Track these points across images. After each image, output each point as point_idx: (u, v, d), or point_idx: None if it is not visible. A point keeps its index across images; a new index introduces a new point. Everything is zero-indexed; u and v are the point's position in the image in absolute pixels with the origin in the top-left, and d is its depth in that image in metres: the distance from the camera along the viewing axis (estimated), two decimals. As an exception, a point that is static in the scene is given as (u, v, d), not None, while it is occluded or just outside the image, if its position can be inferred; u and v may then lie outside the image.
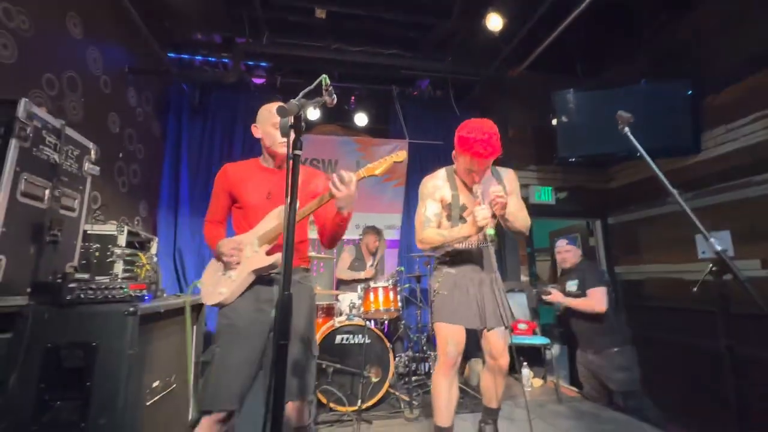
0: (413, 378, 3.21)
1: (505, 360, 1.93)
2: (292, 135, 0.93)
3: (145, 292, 1.61)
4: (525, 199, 4.42)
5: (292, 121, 0.92)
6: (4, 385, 1.27)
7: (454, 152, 1.94)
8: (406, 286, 3.94)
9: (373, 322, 3.19)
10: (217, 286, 1.54)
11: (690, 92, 3.46)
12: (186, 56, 4.02)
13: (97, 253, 1.94)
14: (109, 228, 2.05)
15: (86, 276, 1.54)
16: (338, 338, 2.95)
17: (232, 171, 1.67)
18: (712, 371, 3.01)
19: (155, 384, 1.71)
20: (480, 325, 1.91)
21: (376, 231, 3.97)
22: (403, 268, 3.97)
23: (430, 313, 2.03)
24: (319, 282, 4.17)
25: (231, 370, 1.39)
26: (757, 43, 2.90)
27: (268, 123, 1.61)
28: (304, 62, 4.06)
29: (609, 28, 3.92)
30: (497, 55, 3.85)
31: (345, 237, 4.37)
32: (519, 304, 3.86)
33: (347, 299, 3.31)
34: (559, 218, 4.93)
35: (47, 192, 1.57)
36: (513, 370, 2.50)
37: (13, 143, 1.41)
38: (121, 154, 3.12)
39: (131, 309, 1.42)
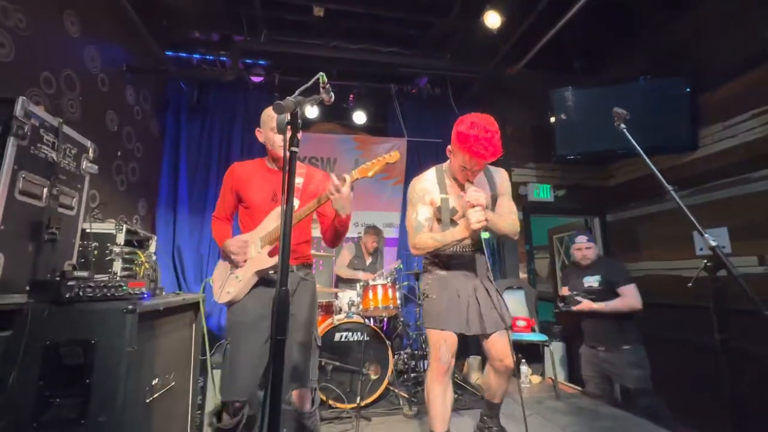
0: (412, 375, 3.22)
1: (510, 360, 1.86)
2: (289, 132, 0.93)
3: (143, 290, 1.61)
4: (524, 197, 4.45)
5: (289, 118, 0.93)
6: (4, 383, 1.27)
7: (449, 147, 1.83)
8: (405, 283, 3.96)
9: (372, 319, 3.21)
10: (225, 285, 1.64)
11: (688, 89, 3.47)
12: (184, 54, 4.02)
13: (95, 252, 1.94)
14: (107, 226, 2.05)
15: (85, 274, 1.54)
16: (337, 336, 2.96)
17: (238, 171, 1.72)
18: (709, 367, 3.02)
19: (155, 381, 1.71)
20: (472, 331, 1.84)
21: (375, 231, 3.97)
22: (402, 266, 3.98)
23: (419, 317, 2.01)
24: (319, 280, 4.16)
25: (240, 365, 1.52)
26: (754, 40, 2.90)
27: (268, 127, 1.65)
28: (303, 60, 4.06)
29: (607, 26, 3.93)
30: (496, 52, 3.84)
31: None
32: (517, 302, 3.88)
33: (346, 297, 3.33)
34: (557, 216, 4.94)
35: (45, 190, 1.57)
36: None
37: (11, 141, 1.41)
38: (119, 153, 3.12)
39: (130, 307, 1.42)
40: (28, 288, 1.42)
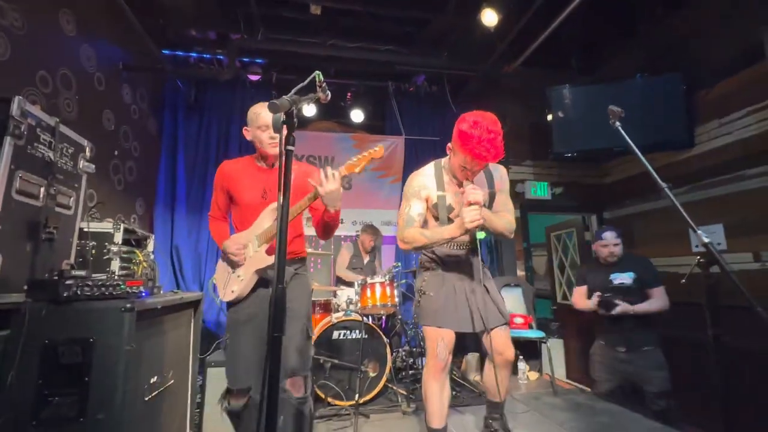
0: (410, 372, 3.24)
1: (510, 352, 1.87)
2: (285, 131, 0.94)
3: (141, 288, 1.62)
4: (521, 195, 4.46)
5: (284, 117, 0.93)
6: (3, 382, 1.28)
7: (450, 144, 1.79)
8: (403, 281, 3.97)
9: (370, 317, 3.22)
10: (229, 285, 1.69)
11: (684, 87, 3.48)
12: (181, 53, 4.01)
13: (93, 251, 1.94)
14: (105, 226, 2.05)
15: (83, 273, 1.54)
16: (335, 334, 2.97)
17: (228, 170, 1.74)
18: (702, 363, 3.05)
19: (153, 380, 1.72)
20: (473, 329, 1.84)
21: (372, 231, 3.98)
22: (399, 264, 3.99)
23: (415, 314, 2.00)
24: (317, 278, 4.19)
25: (238, 357, 1.62)
26: (750, 37, 2.91)
27: (255, 125, 1.66)
28: (300, 59, 4.06)
29: (604, 23, 3.93)
30: (493, 50, 3.85)
31: (344, 234, 4.40)
32: (515, 299, 3.90)
33: (345, 295, 3.34)
34: (555, 213, 4.95)
35: (42, 190, 1.58)
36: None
37: (8, 141, 1.41)
38: (116, 152, 3.12)
39: (128, 305, 1.42)
40: (26, 287, 1.43)
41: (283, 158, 0.92)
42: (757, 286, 2.87)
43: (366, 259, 3.99)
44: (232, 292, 1.65)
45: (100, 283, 1.48)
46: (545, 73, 4.32)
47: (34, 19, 2.24)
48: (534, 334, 3.50)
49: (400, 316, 3.65)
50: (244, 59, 4.17)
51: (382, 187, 4.58)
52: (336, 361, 2.86)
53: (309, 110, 4.31)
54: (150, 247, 2.41)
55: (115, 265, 1.99)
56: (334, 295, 3.51)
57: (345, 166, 1.50)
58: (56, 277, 1.43)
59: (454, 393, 2.68)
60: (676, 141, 3.54)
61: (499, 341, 1.85)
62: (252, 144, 1.75)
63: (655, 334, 2.62)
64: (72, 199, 1.80)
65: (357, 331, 2.97)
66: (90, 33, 2.80)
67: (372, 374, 2.91)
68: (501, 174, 1.94)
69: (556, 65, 4.29)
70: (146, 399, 1.65)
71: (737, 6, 3.09)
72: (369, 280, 3.21)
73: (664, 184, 1.24)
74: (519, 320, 3.58)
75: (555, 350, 4.30)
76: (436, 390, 1.82)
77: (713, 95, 3.32)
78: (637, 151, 1.33)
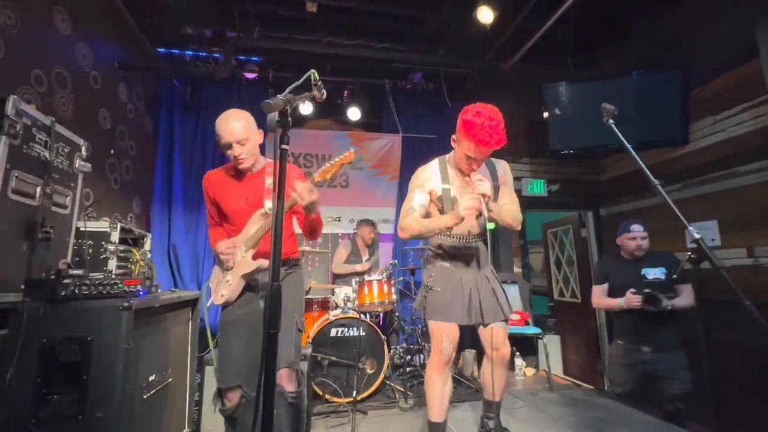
0: (408, 369, 3.26)
1: (506, 349, 1.89)
2: (279, 131, 0.95)
3: (139, 287, 1.63)
4: (518, 192, 4.47)
5: (278, 116, 0.94)
6: (1, 381, 1.29)
7: (454, 136, 1.84)
8: (401, 279, 3.98)
9: (368, 314, 3.23)
10: (219, 289, 1.73)
11: (679, 84, 3.50)
12: (176, 51, 3.99)
13: (90, 250, 1.94)
14: (102, 225, 2.05)
15: (80, 272, 1.55)
16: (333, 331, 2.98)
17: (210, 180, 1.79)
18: (696, 355, 3.08)
19: (152, 378, 1.73)
20: (476, 322, 1.86)
21: (370, 223, 3.99)
22: (396, 261, 4.00)
23: (422, 309, 1.97)
24: (315, 276, 4.20)
25: (229, 357, 1.64)
26: (743, 35, 2.93)
27: (222, 141, 1.65)
28: (296, 56, 4.05)
29: (601, 20, 3.94)
30: (489, 47, 3.85)
31: (341, 231, 4.41)
32: (512, 296, 3.92)
33: (342, 293, 3.35)
34: (551, 210, 4.98)
35: (38, 189, 1.58)
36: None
37: (3, 141, 1.41)
38: (112, 151, 3.11)
39: (125, 304, 1.43)
40: (23, 287, 1.43)
41: (278, 156, 0.92)
42: (750, 282, 2.90)
43: (365, 256, 3.99)
44: (222, 296, 1.70)
45: (97, 282, 1.49)
46: (542, 70, 4.33)
47: (28, 17, 2.23)
48: (531, 330, 3.53)
49: (397, 314, 3.67)
50: (240, 57, 4.15)
51: (379, 184, 4.59)
52: (334, 359, 2.87)
53: (306, 108, 4.31)
54: (147, 246, 2.41)
55: (112, 264, 1.99)
56: (332, 292, 3.52)
57: (318, 173, 1.51)
58: (53, 277, 1.44)
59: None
60: (671, 138, 3.56)
61: (497, 337, 1.86)
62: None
63: (679, 336, 2.46)
64: (68, 198, 1.80)
65: (354, 329, 2.99)
66: (85, 31, 2.78)
67: (370, 371, 2.93)
68: (504, 168, 1.98)
69: (552, 62, 4.30)
70: (145, 397, 1.66)
71: (731, 4, 3.11)
72: (366, 278, 3.22)
73: (656, 181, 1.26)
74: (515, 317, 3.60)
75: (551, 346, 4.34)
76: (439, 384, 1.84)
77: (707, 92, 3.34)
78: (629, 148, 1.35)
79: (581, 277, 4.64)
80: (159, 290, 2.06)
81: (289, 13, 3.68)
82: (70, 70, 2.59)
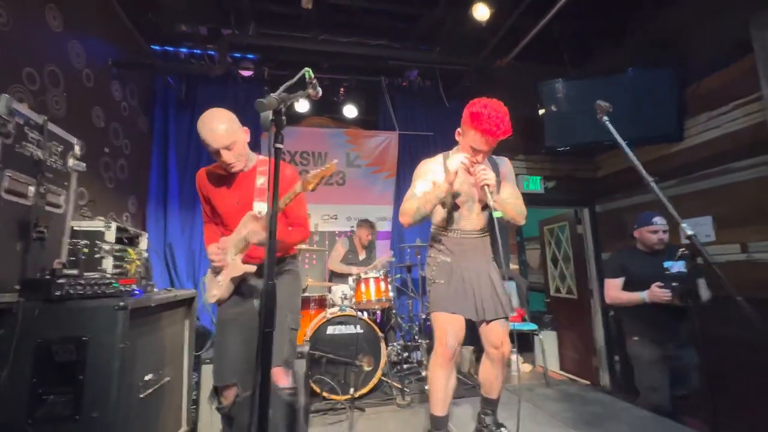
0: (405, 366, 3.27)
1: (507, 348, 1.88)
2: (273, 129, 0.94)
3: (134, 287, 1.63)
4: (514, 189, 4.48)
5: (272, 115, 0.93)
6: (-4, 381, 1.28)
7: (458, 129, 1.85)
8: (398, 276, 3.99)
9: (365, 312, 3.24)
10: (211, 288, 1.72)
11: (674, 81, 3.51)
12: (171, 48, 3.96)
13: (85, 250, 1.93)
14: (96, 224, 2.04)
15: (75, 272, 1.54)
16: (330, 329, 2.99)
17: (203, 179, 1.76)
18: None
19: (148, 377, 1.73)
20: (477, 318, 1.84)
21: (369, 225, 3.99)
22: (394, 258, 4.01)
23: (427, 302, 1.95)
24: (312, 274, 4.20)
25: (225, 355, 1.65)
26: (737, 31, 2.94)
27: (206, 144, 1.62)
28: (292, 54, 4.03)
29: (596, 17, 3.94)
30: (485, 45, 3.85)
31: (338, 229, 4.41)
32: (508, 292, 3.94)
33: (339, 290, 3.35)
34: (548, 207, 5.00)
35: (32, 189, 1.57)
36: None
37: (-5, 140, 1.40)
38: (107, 149, 3.09)
39: (121, 304, 1.43)
40: (18, 287, 1.43)
41: (272, 156, 0.92)
42: (743, 277, 2.93)
43: (362, 255, 4.00)
44: (213, 295, 1.70)
45: (92, 281, 1.48)
46: (537, 67, 4.33)
47: (18, 14, 2.20)
48: (527, 326, 3.55)
49: (394, 311, 3.68)
50: (236, 55, 4.13)
51: (376, 182, 4.59)
52: (331, 356, 2.88)
53: (302, 106, 4.29)
54: (143, 245, 2.40)
55: (108, 263, 1.98)
56: (329, 290, 3.52)
57: (300, 184, 1.41)
58: (48, 277, 1.43)
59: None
60: (666, 134, 3.58)
61: (497, 335, 1.85)
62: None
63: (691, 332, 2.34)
64: (62, 197, 1.79)
65: (352, 326, 2.99)
66: (77, 29, 2.76)
67: (367, 368, 2.94)
68: (506, 164, 2.01)
69: (548, 60, 4.30)
70: (141, 396, 1.66)
71: (726, 1, 3.12)
72: (363, 275, 3.23)
73: (650, 178, 1.26)
74: (512, 313, 3.62)
75: (548, 342, 4.37)
76: (443, 378, 1.82)
77: (702, 89, 3.35)
78: (624, 145, 1.35)
79: (577, 273, 4.67)
80: (155, 289, 2.06)
81: (285, 10, 3.66)
82: (62, 68, 2.56)
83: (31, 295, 1.39)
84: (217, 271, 1.71)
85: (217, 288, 1.69)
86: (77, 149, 1.88)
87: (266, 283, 0.84)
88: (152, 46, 3.86)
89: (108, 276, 1.84)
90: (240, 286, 1.71)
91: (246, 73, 4.21)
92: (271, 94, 0.96)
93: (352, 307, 3.11)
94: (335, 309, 3.09)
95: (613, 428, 2.29)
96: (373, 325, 3.06)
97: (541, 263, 5.55)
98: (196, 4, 3.51)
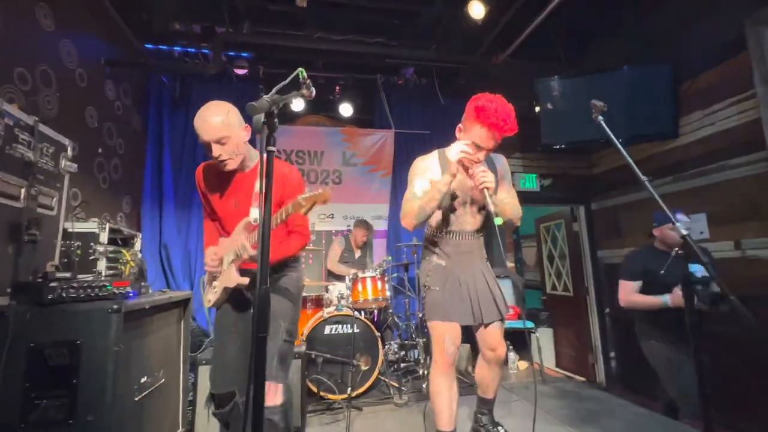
0: (402, 365, 3.28)
1: (503, 350, 1.85)
2: (266, 132, 0.93)
3: (128, 289, 1.61)
4: (510, 187, 4.49)
5: (264, 118, 0.92)
6: (-11, 386, 1.27)
7: (460, 125, 1.76)
8: (394, 275, 3.99)
9: (362, 311, 3.24)
10: (207, 293, 1.68)
11: (669, 78, 3.52)
12: (164, 47, 3.92)
13: (78, 251, 1.92)
14: (90, 225, 2.02)
15: (67, 275, 1.52)
16: (327, 329, 2.99)
17: (202, 175, 1.68)
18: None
19: (144, 379, 1.72)
20: (474, 322, 1.81)
21: (365, 226, 3.99)
22: (391, 258, 4.01)
23: (422, 309, 1.94)
24: (309, 273, 4.19)
25: (221, 362, 1.60)
26: (732, 29, 2.95)
27: (199, 140, 1.55)
28: (287, 52, 4.00)
29: (591, 14, 3.94)
30: (481, 42, 3.84)
31: (335, 228, 4.40)
32: (505, 290, 3.95)
33: (336, 290, 3.35)
34: (544, 205, 5.01)
35: (23, 191, 1.55)
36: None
37: (-16, 142, 1.38)
38: (100, 150, 3.06)
39: (115, 306, 1.42)
40: (9, 290, 1.41)
41: (264, 160, 0.91)
42: (737, 274, 2.95)
43: (357, 254, 4.00)
44: (209, 300, 1.66)
45: (85, 284, 1.47)
46: (534, 64, 4.32)
47: (8, 13, 2.17)
48: (524, 324, 3.56)
49: (391, 310, 3.68)
50: (230, 53, 4.10)
51: (372, 181, 4.58)
52: (328, 356, 2.88)
53: (297, 105, 4.27)
54: (137, 246, 2.39)
55: (102, 265, 1.97)
56: (326, 290, 3.52)
57: (293, 204, 1.26)
58: (40, 279, 1.42)
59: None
60: (661, 131, 3.59)
61: (493, 338, 1.83)
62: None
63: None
64: (54, 199, 1.77)
65: (349, 326, 2.99)
66: (69, 27, 2.72)
67: (364, 368, 2.94)
68: (503, 163, 1.95)
69: (543, 57, 4.30)
70: (136, 399, 1.65)
71: (721, -3, 3.12)
72: (360, 275, 3.22)
73: (644, 177, 1.27)
74: (509, 311, 3.64)
75: (544, 339, 4.39)
76: (445, 387, 1.76)
77: (697, 86, 3.36)
78: (618, 144, 1.36)
79: (573, 270, 4.69)
80: (150, 291, 2.05)
81: (279, 8, 3.63)
82: (54, 67, 2.53)
83: (22, 298, 1.37)
84: (213, 277, 1.66)
85: (212, 294, 1.65)
86: (69, 150, 1.87)
87: (259, 288, 0.83)
88: (145, 45, 3.82)
89: (102, 278, 1.82)
90: (236, 293, 1.65)
91: (241, 72, 4.19)
92: (264, 96, 0.95)
93: (349, 307, 3.11)
94: (332, 308, 3.09)
95: (608, 425, 2.31)
96: (370, 324, 3.06)
97: (537, 261, 5.57)
98: (189, 2, 3.48)
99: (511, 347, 3.62)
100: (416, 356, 3.55)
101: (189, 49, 3.94)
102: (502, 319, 1.86)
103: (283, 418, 1.46)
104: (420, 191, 1.76)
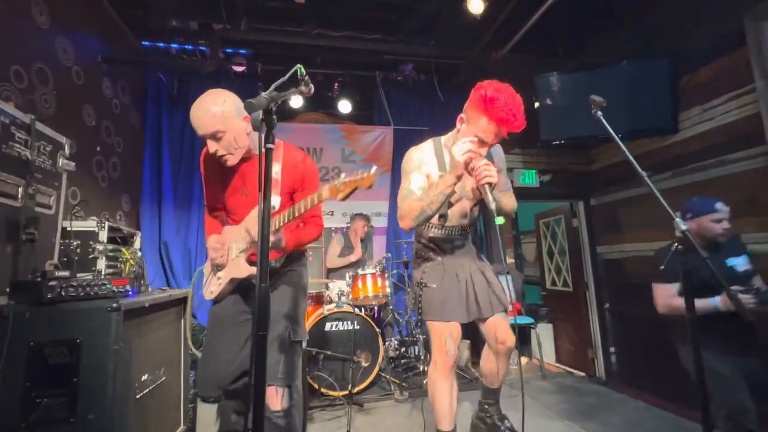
0: (402, 361, 3.29)
1: (512, 341, 1.76)
2: (264, 129, 0.92)
3: (128, 287, 1.61)
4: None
5: (262, 115, 0.92)
6: (-11, 385, 1.27)
7: (462, 116, 1.63)
8: (395, 272, 4.00)
9: (362, 308, 3.25)
10: (209, 284, 1.62)
11: (668, 73, 3.51)
12: (162, 44, 3.90)
13: (78, 250, 1.91)
14: (89, 224, 2.02)
15: (66, 273, 1.52)
16: (328, 326, 2.99)
17: (208, 157, 1.57)
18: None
19: (144, 377, 1.72)
20: (476, 317, 1.76)
21: (364, 217, 3.99)
22: (390, 254, 4.01)
23: (417, 308, 1.81)
24: (309, 271, 4.17)
25: (212, 361, 1.53)
26: (731, 23, 2.93)
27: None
28: (285, 49, 3.98)
29: (591, 9, 3.92)
30: (480, 38, 3.82)
31: (334, 225, 4.39)
32: (504, 286, 3.96)
33: (336, 287, 3.35)
34: (543, 201, 5.01)
35: (20, 190, 1.54)
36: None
37: (-19, 141, 1.37)
38: (98, 148, 3.05)
39: (114, 305, 1.41)
40: (8, 289, 1.41)
41: (263, 156, 0.90)
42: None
43: (357, 250, 3.99)
44: (211, 292, 1.59)
45: (84, 283, 1.47)
46: (533, 60, 4.30)
47: (3, 10, 2.15)
48: (523, 320, 3.57)
49: (391, 306, 3.69)
50: (228, 50, 4.08)
51: (372, 177, 4.57)
52: (329, 353, 2.89)
53: (296, 102, 4.26)
54: (137, 244, 2.38)
55: (101, 263, 1.97)
56: (326, 287, 3.52)
57: (329, 188, 1.24)
58: (39, 278, 1.42)
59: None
60: (660, 127, 3.58)
61: (501, 330, 1.76)
62: None
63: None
64: (52, 198, 1.77)
65: (349, 323, 3.00)
66: (65, 25, 2.70)
67: (365, 364, 2.95)
68: (499, 153, 1.85)
69: (542, 52, 4.28)
70: (137, 397, 1.65)
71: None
72: (360, 271, 3.23)
73: (643, 173, 1.26)
74: (510, 307, 3.64)
75: (544, 335, 4.40)
76: (446, 388, 1.72)
77: (696, 81, 3.35)
78: (618, 140, 1.35)
79: (573, 266, 4.70)
80: (149, 289, 2.05)
81: (277, 4, 3.61)
82: (50, 65, 2.52)
83: (21, 297, 1.37)
84: (217, 268, 1.59)
85: (215, 285, 1.58)
86: (67, 148, 1.86)
87: (259, 285, 0.83)
88: (142, 42, 3.80)
89: (101, 277, 1.82)
90: (242, 285, 1.58)
91: (239, 69, 4.17)
92: (262, 93, 0.94)
93: (349, 304, 3.11)
94: (332, 305, 3.09)
95: (608, 419, 2.32)
96: (371, 321, 3.07)
97: (537, 256, 5.57)
98: (186, -1, 3.46)
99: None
100: (416, 352, 3.56)
101: (186, 46, 3.92)
102: (505, 310, 1.81)
103: (288, 422, 1.41)
104: (417, 188, 1.66)
